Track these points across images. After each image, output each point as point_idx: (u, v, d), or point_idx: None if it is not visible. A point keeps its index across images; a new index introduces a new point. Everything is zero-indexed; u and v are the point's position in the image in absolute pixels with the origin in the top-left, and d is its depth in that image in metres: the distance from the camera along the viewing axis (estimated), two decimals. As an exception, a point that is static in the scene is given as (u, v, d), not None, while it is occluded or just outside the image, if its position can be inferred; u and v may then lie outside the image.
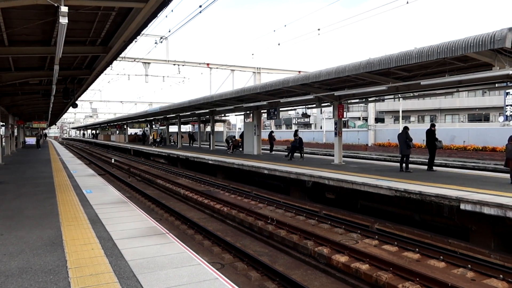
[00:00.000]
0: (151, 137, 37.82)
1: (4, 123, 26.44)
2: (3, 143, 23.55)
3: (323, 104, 16.41)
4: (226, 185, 14.94)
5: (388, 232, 8.29)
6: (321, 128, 48.04)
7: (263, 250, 7.96)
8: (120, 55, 11.54)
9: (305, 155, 17.79)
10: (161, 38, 22.42)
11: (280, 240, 8.21)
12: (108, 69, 15.86)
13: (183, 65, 26.48)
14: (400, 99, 30.62)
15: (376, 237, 7.93)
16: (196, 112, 26.65)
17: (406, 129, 12.41)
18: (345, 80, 12.30)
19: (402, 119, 39.73)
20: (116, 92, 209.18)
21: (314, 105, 17.65)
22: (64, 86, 14.67)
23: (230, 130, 58.41)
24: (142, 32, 8.69)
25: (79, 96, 21.05)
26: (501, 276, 5.80)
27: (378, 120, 51.09)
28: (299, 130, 26.54)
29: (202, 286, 3.79)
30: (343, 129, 16.28)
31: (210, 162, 18.54)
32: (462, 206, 7.37)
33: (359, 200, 10.73)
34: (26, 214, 7.01)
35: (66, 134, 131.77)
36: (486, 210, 6.98)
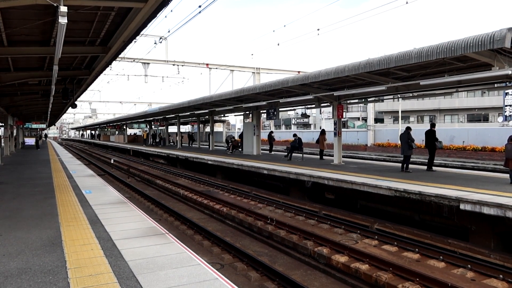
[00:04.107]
0: (161, 138, 37.67)
1: (3, 124, 26.42)
2: (2, 144, 23.52)
3: (322, 104, 16.40)
4: (226, 185, 14.92)
5: (388, 232, 8.29)
6: (320, 128, 48.05)
7: (263, 250, 7.96)
8: (120, 55, 11.52)
9: (304, 155, 17.77)
10: (160, 38, 22.42)
11: (280, 240, 8.21)
12: (108, 69, 15.86)
13: (182, 65, 26.48)
14: (400, 99, 30.64)
15: (376, 237, 7.93)
16: (196, 112, 26.64)
17: (408, 129, 12.34)
18: (344, 80, 12.30)
19: (402, 119, 39.78)
20: (116, 93, 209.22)
21: (314, 105, 17.65)
22: (64, 86, 14.65)
23: (230, 130, 58.40)
24: (142, 32, 8.68)
25: (79, 96, 21.05)
26: (501, 276, 5.80)
27: (378, 120, 51.13)
28: (298, 131, 26.38)
29: (202, 286, 3.79)
30: (342, 129, 16.27)
31: (209, 162, 18.53)
32: (462, 206, 7.36)
33: (358, 200, 10.73)
34: (25, 214, 6.99)
35: (65, 135, 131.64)
36: (486, 210, 6.98)
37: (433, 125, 12.66)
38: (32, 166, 17.16)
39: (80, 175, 13.41)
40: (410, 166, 12.57)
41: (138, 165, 25.46)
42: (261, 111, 20.82)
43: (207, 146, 29.64)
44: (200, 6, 10.88)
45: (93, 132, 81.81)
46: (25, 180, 11.98)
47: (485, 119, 44.11)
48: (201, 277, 4.01)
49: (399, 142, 17.13)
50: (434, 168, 12.56)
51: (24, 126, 40.48)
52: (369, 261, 6.49)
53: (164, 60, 26.06)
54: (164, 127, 38.07)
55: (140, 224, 6.25)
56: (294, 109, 32.00)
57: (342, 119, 15.76)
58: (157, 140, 37.98)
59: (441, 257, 6.63)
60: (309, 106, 18.62)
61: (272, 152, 22.77)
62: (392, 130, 37.24)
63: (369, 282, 6.06)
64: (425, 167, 12.90)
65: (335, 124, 15.37)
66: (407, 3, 13.46)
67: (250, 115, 21.42)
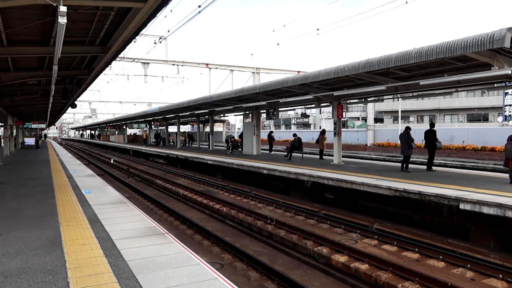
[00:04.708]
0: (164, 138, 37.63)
1: (3, 124, 26.41)
2: (2, 144, 23.50)
3: (322, 104, 16.40)
4: (226, 185, 14.93)
5: (388, 232, 8.29)
6: (320, 128, 48.03)
7: (263, 250, 7.96)
8: (119, 55, 11.53)
9: (304, 155, 17.77)
10: (160, 38, 22.41)
11: (280, 240, 8.21)
12: (107, 69, 15.89)
13: (182, 65, 26.48)
14: (399, 99, 30.63)
15: (376, 237, 7.93)
16: (195, 112, 26.63)
17: (407, 129, 12.34)
18: (344, 80, 12.30)
19: (401, 119, 39.78)
20: (115, 93, 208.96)
21: (313, 105, 17.64)
22: (63, 86, 14.64)
23: (229, 130, 58.40)
24: (141, 32, 8.68)
25: (78, 96, 21.02)
26: (500, 275, 5.81)
27: (377, 120, 51.11)
28: (297, 131, 26.33)
29: (201, 286, 3.79)
30: (342, 129, 16.26)
31: (209, 162, 18.52)
32: (462, 206, 7.37)
33: (358, 200, 10.73)
34: (25, 214, 6.99)
35: (65, 135, 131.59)
36: (486, 210, 6.98)
37: (432, 124, 12.66)
38: (32, 166, 17.16)
39: (80, 175, 13.41)
40: (410, 166, 12.57)
41: (138, 165, 25.46)
42: (261, 111, 20.81)
43: (207, 146, 29.64)
44: (199, 6, 10.87)
45: (92, 132, 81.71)
46: (25, 180, 11.98)
47: (485, 119, 44.11)
48: (200, 276, 4.01)
49: (399, 142, 17.13)
50: (434, 168, 12.57)
51: (24, 126, 40.45)
52: (369, 261, 6.49)
53: (164, 60, 26.06)
54: (164, 127, 38.07)
55: (139, 224, 6.25)
56: (294, 109, 31.97)
57: (342, 119, 15.76)
58: (157, 140, 37.96)
59: (440, 257, 6.64)
60: (309, 106, 18.60)
61: (272, 152, 22.77)
62: (392, 130, 37.24)
63: (369, 281, 6.06)
64: (425, 167, 12.90)
65: (334, 124, 15.37)
66: (406, 3, 13.47)
67: (250, 115, 21.42)
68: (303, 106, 19.13)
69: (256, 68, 28.03)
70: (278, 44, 44.36)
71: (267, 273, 6.38)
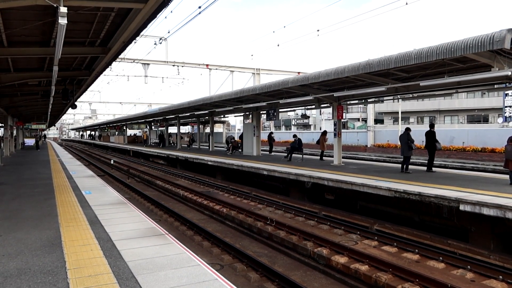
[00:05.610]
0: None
1: (3, 124, 26.42)
2: (2, 145, 23.50)
3: (322, 105, 16.41)
4: (226, 186, 14.92)
5: (388, 233, 8.29)
6: (320, 129, 48.03)
7: (263, 251, 7.96)
8: (120, 56, 11.52)
9: (304, 156, 17.77)
10: (160, 39, 22.39)
11: (280, 241, 8.21)
12: (108, 70, 15.88)
13: (182, 66, 26.47)
14: (400, 100, 30.64)
15: (376, 238, 7.93)
16: (196, 113, 26.64)
17: (407, 130, 12.34)
18: (344, 81, 12.30)
19: (401, 120, 39.77)
20: (116, 93, 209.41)
21: (314, 106, 17.65)
22: (63, 87, 14.64)
23: (230, 131, 58.40)
24: (142, 33, 8.68)
25: (78, 97, 21.04)
26: (500, 277, 5.81)
27: (378, 121, 51.11)
28: (297, 131, 26.27)
29: (201, 286, 3.79)
30: (342, 130, 16.27)
31: (209, 163, 18.52)
32: (462, 207, 7.36)
33: (358, 201, 10.73)
34: (25, 215, 6.99)
35: (65, 135, 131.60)
36: (486, 211, 6.98)
37: (432, 125, 12.65)
38: (32, 166, 17.16)
39: (80, 175, 13.41)
40: (410, 167, 12.57)
41: (138, 165, 25.46)
42: (261, 112, 20.82)
43: (207, 147, 29.64)
44: (200, 7, 10.88)
45: (93, 133, 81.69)
46: (25, 180, 11.98)
47: (485, 120, 44.11)
48: (200, 277, 4.01)
49: (399, 143, 17.14)
50: (434, 169, 12.56)
51: (24, 126, 40.46)
52: (369, 262, 6.49)
53: (164, 60, 26.06)
54: (164, 128, 38.06)
55: (139, 224, 6.25)
56: (294, 110, 31.97)
57: (342, 120, 15.75)
58: (160, 141, 37.90)
59: (440, 258, 6.64)
60: (309, 107, 18.62)
61: (272, 153, 22.76)
62: (392, 131, 37.25)
63: (369, 282, 6.06)
64: (425, 168, 12.89)
65: (335, 125, 15.37)
66: (406, 4, 13.48)
67: (250, 115, 21.42)
68: (303, 107, 19.14)
69: (256, 69, 28.03)
70: (278, 45, 44.41)
71: (267, 274, 6.38)
